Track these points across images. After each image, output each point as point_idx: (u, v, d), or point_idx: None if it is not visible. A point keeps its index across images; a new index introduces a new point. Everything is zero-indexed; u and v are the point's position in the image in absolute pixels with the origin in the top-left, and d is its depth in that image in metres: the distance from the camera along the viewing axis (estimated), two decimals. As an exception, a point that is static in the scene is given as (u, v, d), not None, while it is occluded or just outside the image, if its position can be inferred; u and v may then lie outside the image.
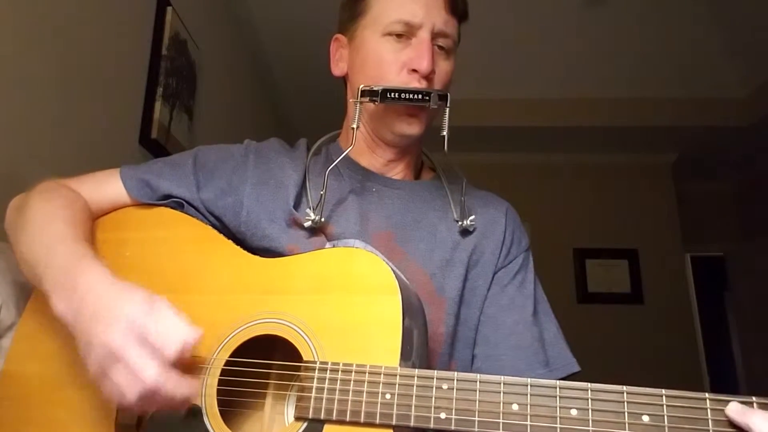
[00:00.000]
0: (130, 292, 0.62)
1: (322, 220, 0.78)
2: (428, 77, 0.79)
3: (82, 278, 0.64)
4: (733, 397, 0.53)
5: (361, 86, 0.78)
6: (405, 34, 0.80)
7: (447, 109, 0.79)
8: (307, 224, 0.77)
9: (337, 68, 0.89)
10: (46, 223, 0.73)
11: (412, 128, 0.82)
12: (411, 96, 0.76)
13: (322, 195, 0.78)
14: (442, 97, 0.78)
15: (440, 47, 0.81)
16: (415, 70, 0.78)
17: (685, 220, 3.80)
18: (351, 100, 0.85)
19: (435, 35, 0.80)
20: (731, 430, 0.51)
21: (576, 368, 0.79)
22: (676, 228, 3.75)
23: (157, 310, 0.60)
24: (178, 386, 0.57)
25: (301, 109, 3.72)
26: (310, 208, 0.79)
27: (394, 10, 0.80)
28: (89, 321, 0.60)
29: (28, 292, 0.80)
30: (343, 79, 0.90)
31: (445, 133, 0.79)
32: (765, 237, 3.78)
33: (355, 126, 0.79)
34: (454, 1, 0.82)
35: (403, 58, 0.79)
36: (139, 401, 0.57)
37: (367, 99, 0.77)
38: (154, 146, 1.76)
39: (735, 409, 0.51)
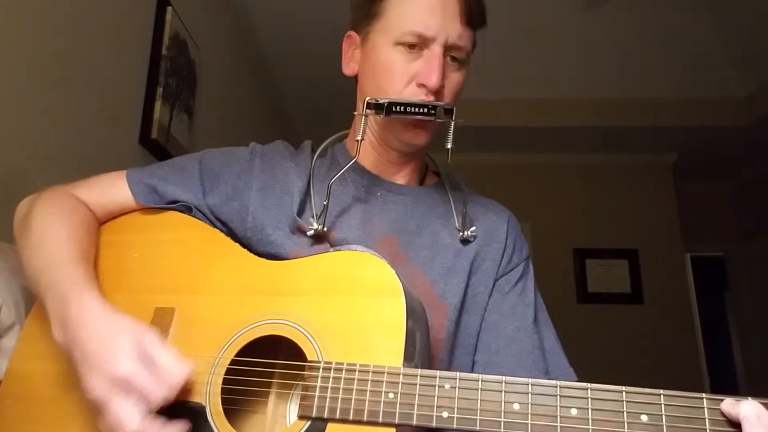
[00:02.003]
0: (117, 333, 0.63)
1: (325, 229, 0.78)
2: (437, 91, 0.78)
3: (75, 308, 0.65)
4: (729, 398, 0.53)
5: (366, 99, 0.77)
6: (417, 45, 0.78)
7: (452, 123, 0.77)
8: (310, 233, 0.78)
9: (348, 68, 0.88)
10: (45, 240, 0.74)
11: (418, 138, 0.82)
12: (417, 110, 0.75)
13: (325, 205, 0.78)
14: (448, 111, 0.76)
15: (453, 58, 0.80)
16: (423, 84, 0.77)
17: (685, 220, 3.80)
18: (356, 113, 0.86)
19: (448, 48, 0.78)
20: (728, 429, 0.52)
21: (574, 378, 0.80)
22: (676, 228, 3.75)
23: (146, 350, 0.61)
24: None
25: (301, 108, 3.73)
26: (313, 217, 0.79)
27: (409, 20, 0.77)
28: (81, 361, 0.63)
29: (29, 293, 0.81)
30: (355, 78, 0.89)
31: (449, 146, 0.78)
32: (765, 237, 3.78)
33: (359, 138, 0.79)
34: (470, 13, 0.80)
35: (412, 70, 0.78)
36: None
37: (372, 111, 0.77)
38: (154, 146, 1.76)
39: (727, 403, 0.52)
